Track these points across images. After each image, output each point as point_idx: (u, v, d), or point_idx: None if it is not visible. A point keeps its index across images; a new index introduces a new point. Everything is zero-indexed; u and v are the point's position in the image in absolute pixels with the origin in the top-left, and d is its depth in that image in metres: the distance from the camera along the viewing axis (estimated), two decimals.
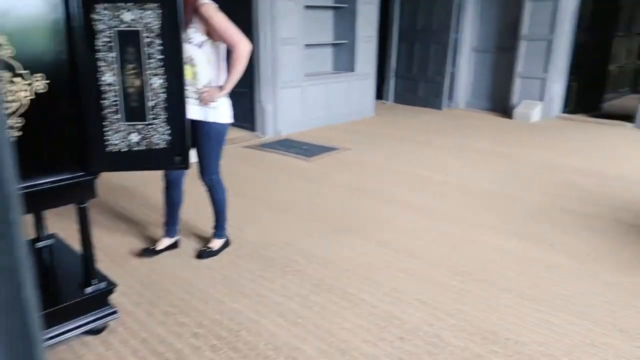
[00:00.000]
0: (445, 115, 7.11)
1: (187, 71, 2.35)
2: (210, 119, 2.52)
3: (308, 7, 6.06)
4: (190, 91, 2.36)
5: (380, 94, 8.30)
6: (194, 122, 2.49)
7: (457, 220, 3.24)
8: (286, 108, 5.91)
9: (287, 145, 5.39)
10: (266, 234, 3.05)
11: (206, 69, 2.46)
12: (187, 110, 1.99)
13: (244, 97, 5.80)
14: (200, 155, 2.63)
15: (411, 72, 7.73)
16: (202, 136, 2.56)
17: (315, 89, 6.23)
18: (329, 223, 3.22)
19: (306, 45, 6.08)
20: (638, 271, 2.59)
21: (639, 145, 5.28)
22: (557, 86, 6.53)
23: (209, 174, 2.68)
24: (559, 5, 6.17)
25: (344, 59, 6.74)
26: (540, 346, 1.98)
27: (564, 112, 6.70)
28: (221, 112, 2.55)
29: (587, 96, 6.87)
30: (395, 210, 3.43)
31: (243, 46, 2.39)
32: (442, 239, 2.96)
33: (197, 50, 2.41)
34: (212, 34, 2.41)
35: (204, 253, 2.76)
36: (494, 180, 4.11)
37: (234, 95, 2.67)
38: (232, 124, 2.74)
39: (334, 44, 6.80)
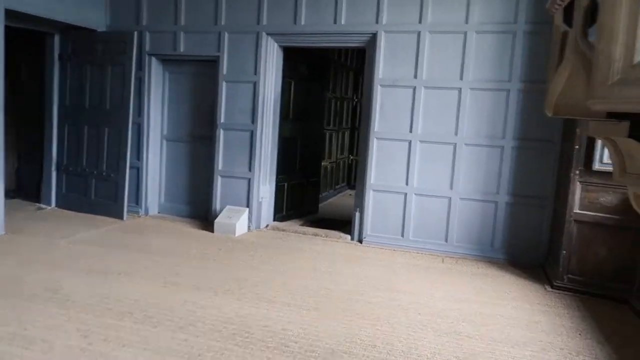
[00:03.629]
0: (123, 228, 5.00)
1: None
2: None
3: None
4: None
5: (39, 196, 5.78)
6: None
7: None
8: None
9: None
10: None
11: None
12: None
13: None
14: None
15: (80, 165, 5.48)
16: None
17: None
18: None
19: None
20: None
21: (364, 270, 4.13)
22: (265, 188, 5.21)
23: None
24: (259, 90, 4.98)
25: None
26: None
27: (276, 219, 5.39)
28: None
29: (295, 199, 5.73)
30: None
31: None
32: None
33: None
34: None
35: None
36: None
37: None
38: None
39: None
